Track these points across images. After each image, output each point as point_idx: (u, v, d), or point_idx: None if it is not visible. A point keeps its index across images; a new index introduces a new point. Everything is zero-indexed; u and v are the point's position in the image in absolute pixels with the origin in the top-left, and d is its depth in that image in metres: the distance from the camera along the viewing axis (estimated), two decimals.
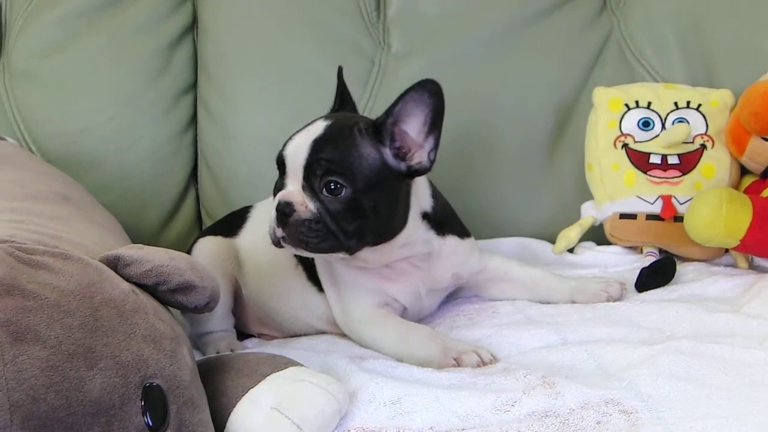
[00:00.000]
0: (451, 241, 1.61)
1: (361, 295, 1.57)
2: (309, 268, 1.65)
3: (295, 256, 1.64)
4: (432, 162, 1.47)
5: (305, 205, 1.42)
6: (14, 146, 1.87)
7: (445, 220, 1.61)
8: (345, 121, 1.48)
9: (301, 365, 1.21)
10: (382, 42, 2.16)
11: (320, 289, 1.64)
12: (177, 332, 1.10)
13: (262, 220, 1.71)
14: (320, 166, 1.41)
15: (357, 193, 1.41)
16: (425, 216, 1.56)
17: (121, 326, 0.99)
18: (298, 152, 1.44)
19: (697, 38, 2.12)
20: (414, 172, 1.48)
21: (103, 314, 0.98)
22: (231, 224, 1.82)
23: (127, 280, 1.08)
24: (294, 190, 1.44)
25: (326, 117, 1.51)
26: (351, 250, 1.45)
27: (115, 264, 1.09)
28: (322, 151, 1.42)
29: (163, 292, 1.11)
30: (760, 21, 2.07)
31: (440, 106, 1.43)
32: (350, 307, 1.58)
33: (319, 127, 1.46)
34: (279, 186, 1.48)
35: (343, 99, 1.62)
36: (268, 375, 1.15)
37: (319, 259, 1.61)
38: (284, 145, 1.48)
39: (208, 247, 1.76)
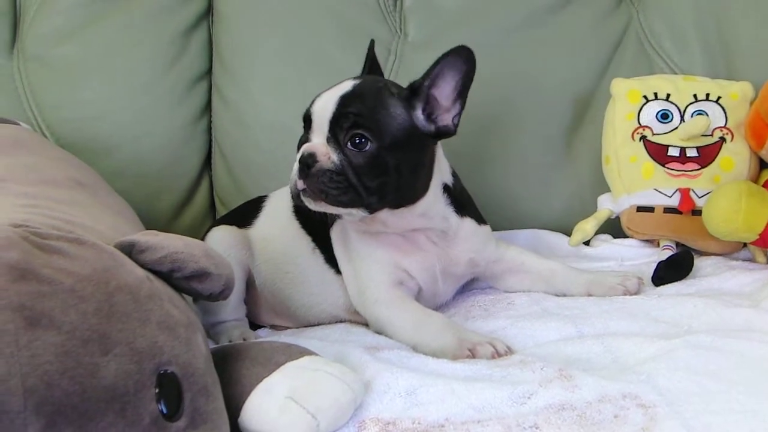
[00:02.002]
0: (469, 223, 1.63)
1: (376, 271, 1.57)
2: (327, 251, 1.66)
3: (313, 240, 1.67)
4: (456, 126, 1.51)
5: (328, 156, 1.43)
6: (28, 131, 1.86)
7: (464, 202, 1.62)
8: (374, 82, 1.52)
9: (316, 354, 1.20)
10: (398, 31, 2.16)
11: (338, 271, 1.65)
12: (192, 319, 1.09)
13: (277, 210, 1.75)
14: (347, 119, 1.43)
15: (382, 149, 1.43)
16: (446, 189, 1.58)
17: (136, 312, 0.98)
18: (325, 107, 1.46)
19: (716, 30, 2.11)
20: (440, 134, 1.51)
21: (118, 300, 0.97)
22: (245, 214, 1.82)
23: (142, 266, 1.07)
24: (318, 142, 1.45)
25: (355, 78, 1.54)
26: (371, 208, 1.46)
27: (129, 250, 1.08)
28: (350, 105, 1.44)
29: (177, 279, 1.10)
30: None
31: (472, 72, 1.48)
32: (366, 285, 1.57)
33: (347, 85, 1.49)
34: (303, 141, 1.49)
35: (371, 69, 1.66)
36: (283, 364, 1.15)
37: (337, 229, 1.63)
38: (312, 102, 1.50)
39: (220, 236, 1.76)
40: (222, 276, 1.13)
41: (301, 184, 1.44)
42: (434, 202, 1.55)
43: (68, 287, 0.93)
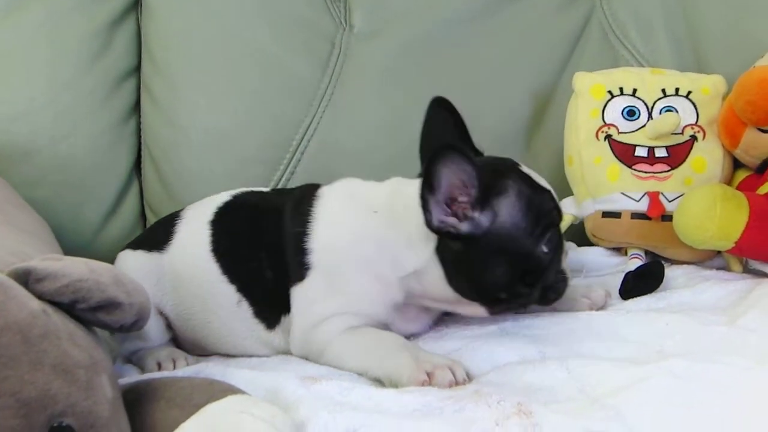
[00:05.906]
0: None
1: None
2: (257, 303, 1.48)
3: (239, 290, 1.48)
4: None
5: None
6: None
7: None
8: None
9: (243, 393, 1.10)
10: (343, 21, 2.08)
11: (269, 326, 1.47)
12: (96, 358, 0.99)
13: (193, 239, 1.55)
14: None
15: None
16: None
17: (26, 355, 0.90)
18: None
19: (685, 18, 2.04)
20: None
21: (3, 342, 0.89)
22: (156, 236, 1.61)
23: (40, 297, 0.99)
24: None
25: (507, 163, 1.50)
26: None
27: (25, 278, 1.00)
28: None
29: (82, 310, 1.01)
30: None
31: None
32: (320, 329, 1.41)
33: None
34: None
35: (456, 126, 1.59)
36: (203, 406, 1.04)
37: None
38: (554, 201, 1.46)
39: (128, 265, 1.55)
40: (134, 305, 1.06)
41: None
42: None
43: None
